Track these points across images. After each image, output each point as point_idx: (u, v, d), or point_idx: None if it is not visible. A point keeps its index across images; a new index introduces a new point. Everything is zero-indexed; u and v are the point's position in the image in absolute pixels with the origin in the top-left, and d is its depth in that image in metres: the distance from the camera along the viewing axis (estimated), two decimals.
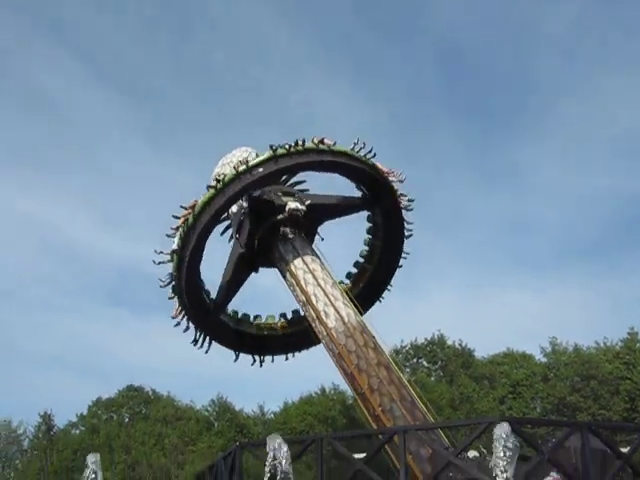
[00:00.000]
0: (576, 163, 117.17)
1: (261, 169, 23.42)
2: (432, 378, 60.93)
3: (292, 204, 25.03)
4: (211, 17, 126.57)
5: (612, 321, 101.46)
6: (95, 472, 18.27)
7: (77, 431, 64.67)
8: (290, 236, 24.90)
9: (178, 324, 26.34)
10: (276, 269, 25.99)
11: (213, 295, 27.18)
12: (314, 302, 22.91)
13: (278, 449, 13.72)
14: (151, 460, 55.76)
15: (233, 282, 26.85)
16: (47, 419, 64.92)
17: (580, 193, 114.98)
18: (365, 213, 27.83)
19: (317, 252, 25.59)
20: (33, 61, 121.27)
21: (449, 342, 64.03)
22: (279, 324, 28.24)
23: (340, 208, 27.33)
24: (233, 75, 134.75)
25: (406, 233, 27.57)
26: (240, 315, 28.17)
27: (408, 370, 63.54)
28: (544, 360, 61.59)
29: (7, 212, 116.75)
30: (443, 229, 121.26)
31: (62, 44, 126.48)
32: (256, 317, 28.26)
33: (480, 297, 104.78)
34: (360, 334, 21.64)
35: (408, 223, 27.47)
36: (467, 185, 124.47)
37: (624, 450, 16.66)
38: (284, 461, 13.47)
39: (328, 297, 22.68)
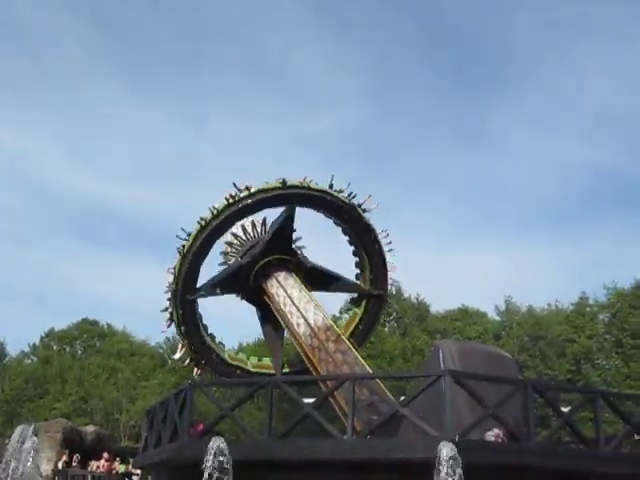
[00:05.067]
0: (548, 130, 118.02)
1: (247, 201, 25.17)
2: (386, 329, 61.68)
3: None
4: None
5: (566, 285, 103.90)
6: None
7: (29, 361, 64.63)
8: (276, 274, 26.23)
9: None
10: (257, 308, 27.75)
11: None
12: (289, 318, 24.66)
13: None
14: (103, 394, 56.05)
15: (219, 285, 27.39)
16: None
17: (548, 160, 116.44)
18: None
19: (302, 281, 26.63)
20: None
21: (406, 295, 64.69)
22: (251, 363, 28.71)
23: (336, 284, 28.40)
24: (213, 16, 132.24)
25: (389, 270, 28.19)
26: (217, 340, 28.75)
27: None
28: (498, 319, 62.81)
29: None
30: (413, 186, 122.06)
31: None
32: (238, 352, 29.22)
33: (442, 255, 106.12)
34: (324, 332, 23.20)
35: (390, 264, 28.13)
36: (440, 145, 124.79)
37: (564, 409, 17.24)
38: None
39: (300, 311, 24.42)
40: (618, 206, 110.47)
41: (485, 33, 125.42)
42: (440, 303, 74.08)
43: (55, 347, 66.68)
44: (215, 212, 25.10)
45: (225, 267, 27.86)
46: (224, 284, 27.23)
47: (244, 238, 27.99)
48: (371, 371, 21.61)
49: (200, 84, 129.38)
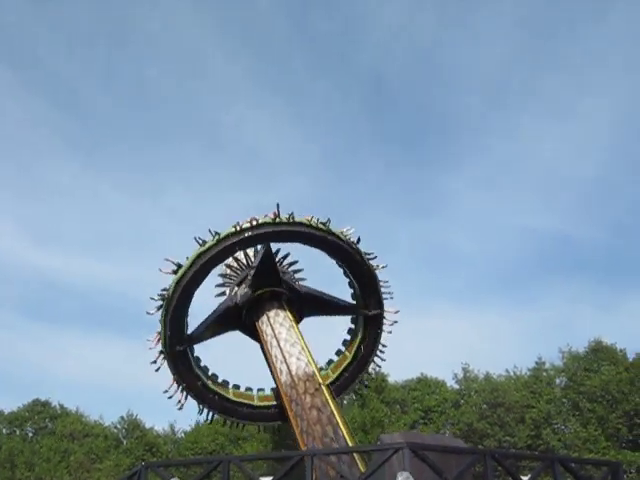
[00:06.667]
0: (496, 199, 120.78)
1: (250, 232, 24.95)
2: (345, 401, 61.07)
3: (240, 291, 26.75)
4: (147, 32, 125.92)
5: (523, 351, 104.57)
6: None
7: None
8: (267, 311, 26.12)
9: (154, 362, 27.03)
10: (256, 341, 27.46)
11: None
12: (274, 362, 24.43)
13: None
14: (55, 478, 54.17)
15: (213, 327, 27.53)
16: None
17: (497, 227, 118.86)
18: None
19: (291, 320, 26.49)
20: None
21: None
22: (257, 396, 28.72)
23: (331, 307, 28.31)
24: (166, 92, 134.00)
25: (385, 329, 28.37)
26: (220, 380, 28.49)
27: None
28: (456, 387, 62.81)
29: None
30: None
31: None
32: (236, 386, 28.68)
33: (396, 323, 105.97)
34: (303, 383, 22.90)
35: (386, 323, 28.34)
36: (392, 211, 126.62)
37: (525, 478, 17.18)
38: None
39: (284, 355, 24.08)
40: (570, 269, 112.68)
41: (432, 101, 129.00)
42: (398, 373, 73.82)
43: (4, 430, 64.56)
44: (198, 254, 24.90)
45: (213, 311, 27.54)
46: (216, 326, 27.13)
47: (237, 267, 27.73)
48: (344, 430, 21.13)
49: (154, 158, 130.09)
